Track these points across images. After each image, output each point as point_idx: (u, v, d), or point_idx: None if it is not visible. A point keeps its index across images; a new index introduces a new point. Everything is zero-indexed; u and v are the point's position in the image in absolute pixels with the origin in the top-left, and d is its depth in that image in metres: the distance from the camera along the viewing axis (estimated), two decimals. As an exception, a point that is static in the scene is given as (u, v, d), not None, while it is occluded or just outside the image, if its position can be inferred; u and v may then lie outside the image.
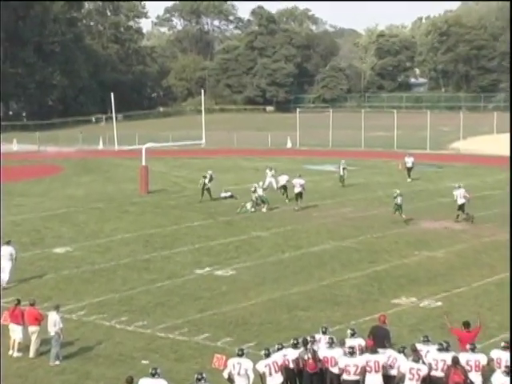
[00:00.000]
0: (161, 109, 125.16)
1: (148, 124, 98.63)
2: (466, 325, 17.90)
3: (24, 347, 20.27)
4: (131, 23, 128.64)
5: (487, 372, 16.45)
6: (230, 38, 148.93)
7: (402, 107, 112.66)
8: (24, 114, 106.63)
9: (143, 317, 22.90)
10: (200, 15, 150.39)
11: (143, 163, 45.91)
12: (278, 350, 16.90)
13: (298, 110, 78.02)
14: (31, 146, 72.27)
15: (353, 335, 17.54)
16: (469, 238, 32.95)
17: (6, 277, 25.87)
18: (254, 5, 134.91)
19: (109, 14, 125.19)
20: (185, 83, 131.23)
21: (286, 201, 41.49)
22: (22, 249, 29.38)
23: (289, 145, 71.22)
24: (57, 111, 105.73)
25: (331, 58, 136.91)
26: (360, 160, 59.80)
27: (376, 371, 16.37)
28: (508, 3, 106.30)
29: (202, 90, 65.61)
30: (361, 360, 16.50)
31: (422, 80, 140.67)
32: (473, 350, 16.52)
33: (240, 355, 16.56)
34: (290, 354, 16.87)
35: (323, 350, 16.98)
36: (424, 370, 16.20)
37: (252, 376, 16.35)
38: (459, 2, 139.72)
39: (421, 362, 16.29)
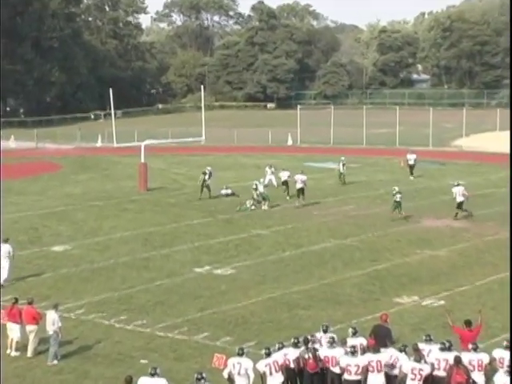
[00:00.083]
0: (160, 105, 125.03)
1: (147, 121, 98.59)
2: (468, 323, 17.93)
3: (22, 346, 20.30)
4: (130, 18, 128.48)
5: (489, 372, 16.48)
6: (230, 33, 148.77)
7: (405, 104, 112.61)
8: (22, 111, 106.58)
9: (142, 316, 22.94)
10: (200, 10, 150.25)
11: (142, 160, 45.92)
12: (279, 349, 16.93)
13: (298, 106, 77.94)
14: (29, 143, 72.25)
15: (354, 334, 17.57)
16: (471, 236, 32.98)
17: (5, 274, 25.93)
18: (255, 0, 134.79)
19: (107, 9, 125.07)
20: (184, 79, 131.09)
21: (287, 198, 41.57)
22: (19, 247, 29.40)
23: (290, 142, 71.21)
24: (55, 108, 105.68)
25: (332, 53, 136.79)
26: (362, 157, 59.82)
27: (378, 371, 16.40)
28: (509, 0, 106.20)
29: (202, 87, 65.55)
30: (362, 360, 16.52)
31: (424, 76, 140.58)
32: (475, 349, 16.55)
33: (240, 354, 16.59)
34: (290, 354, 16.90)
35: (324, 350, 17.00)
36: (426, 370, 16.23)
37: (252, 376, 16.39)
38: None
39: (423, 361, 16.32)
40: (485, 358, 16.52)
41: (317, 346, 17.16)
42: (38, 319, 20.14)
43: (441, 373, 16.41)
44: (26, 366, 19.58)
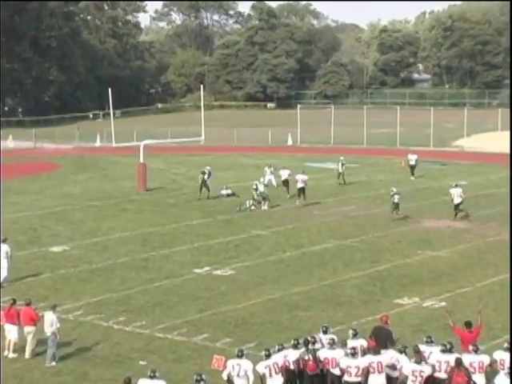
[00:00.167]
0: (159, 105, 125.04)
1: (146, 120, 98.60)
2: (468, 325, 17.93)
3: (20, 348, 20.28)
4: (129, 17, 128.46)
5: (490, 373, 16.48)
6: (229, 32, 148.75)
7: (405, 103, 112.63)
8: (20, 110, 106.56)
9: (141, 317, 22.92)
10: (199, 9, 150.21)
11: (141, 160, 45.92)
12: (279, 350, 16.92)
13: (299, 106, 77.96)
14: (27, 142, 72.24)
15: (355, 336, 17.55)
16: (473, 237, 32.96)
17: (4, 274, 25.97)
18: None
19: (106, 8, 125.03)
20: (184, 79, 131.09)
21: (287, 196, 41.66)
22: (18, 247, 29.39)
23: (290, 142, 71.21)
24: (53, 107, 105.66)
25: (333, 53, 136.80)
26: (362, 157, 59.83)
27: (379, 372, 16.41)
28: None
29: (202, 86, 65.56)
30: (363, 361, 16.52)
31: (425, 76, 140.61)
32: (475, 351, 16.55)
33: (240, 356, 16.57)
34: (290, 355, 16.88)
35: (324, 351, 16.99)
36: (427, 372, 16.23)
37: (252, 377, 16.37)
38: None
39: (423, 363, 16.31)
40: (485, 359, 16.52)
41: (317, 346, 17.14)
42: (36, 320, 20.11)
43: (442, 375, 16.41)
44: (23, 367, 19.56)
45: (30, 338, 20.07)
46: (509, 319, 20.90)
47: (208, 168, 42.73)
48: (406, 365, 16.44)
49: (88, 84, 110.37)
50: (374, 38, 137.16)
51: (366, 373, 16.47)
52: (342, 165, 46.71)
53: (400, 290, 25.38)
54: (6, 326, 20.39)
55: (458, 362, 16.09)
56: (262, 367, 16.43)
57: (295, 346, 17.05)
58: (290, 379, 16.80)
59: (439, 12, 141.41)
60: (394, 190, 36.75)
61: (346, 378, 16.57)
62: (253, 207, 38.76)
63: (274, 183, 44.55)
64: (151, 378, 15.75)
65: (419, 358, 16.39)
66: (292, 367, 16.85)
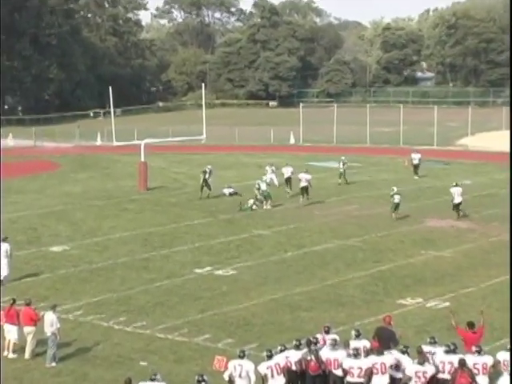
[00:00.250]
0: (160, 103, 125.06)
1: (147, 119, 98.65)
2: (471, 325, 17.93)
3: (19, 348, 20.31)
4: (130, 15, 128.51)
5: (493, 374, 16.48)
6: (231, 30, 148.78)
7: (409, 102, 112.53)
8: (20, 109, 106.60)
9: (142, 317, 22.94)
10: (201, 7, 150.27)
11: (142, 159, 45.94)
12: (281, 351, 16.93)
13: (301, 104, 77.90)
14: (27, 141, 72.30)
15: (357, 336, 17.56)
16: (476, 237, 32.97)
17: (5, 272, 26.04)
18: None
19: (107, 5, 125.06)
20: (185, 77, 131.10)
21: (289, 194, 41.80)
22: (17, 247, 29.43)
23: (292, 141, 71.19)
24: (53, 105, 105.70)
25: (335, 51, 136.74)
26: (365, 156, 59.81)
27: (383, 373, 16.43)
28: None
29: (203, 84, 65.41)
30: (365, 362, 16.53)
31: (429, 74, 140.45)
32: (479, 352, 16.56)
33: (241, 357, 16.59)
34: (292, 356, 16.90)
35: (326, 352, 17.00)
36: (430, 372, 16.26)
37: (253, 378, 16.38)
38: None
39: (426, 364, 16.32)
40: (489, 360, 16.54)
41: (319, 346, 17.16)
42: (35, 320, 20.13)
43: (445, 376, 16.42)
44: (23, 367, 19.58)
45: (29, 338, 20.09)
46: (509, 320, 20.87)
47: (209, 167, 42.76)
48: (409, 366, 16.45)
49: (88, 82, 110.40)
50: (377, 36, 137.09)
51: (369, 374, 16.48)
52: (344, 164, 46.74)
53: (403, 291, 25.39)
54: (5, 326, 20.42)
55: (462, 362, 16.10)
56: (263, 368, 16.45)
57: (297, 347, 17.06)
58: (291, 380, 16.81)
59: (443, 9, 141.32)
60: (395, 189, 36.78)
61: (348, 378, 16.59)
62: (254, 206, 38.75)
63: (276, 182, 44.55)
64: (152, 380, 15.77)
65: (422, 358, 16.40)
66: (294, 368, 16.87)
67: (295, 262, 29.17)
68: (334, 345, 17.08)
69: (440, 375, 16.47)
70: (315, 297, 24.83)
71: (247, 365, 16.44)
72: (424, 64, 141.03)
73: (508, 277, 26.39)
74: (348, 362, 16.57)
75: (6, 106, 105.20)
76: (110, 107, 52.73)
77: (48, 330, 19.65)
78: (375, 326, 18.96)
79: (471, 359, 16.41)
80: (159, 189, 45.68)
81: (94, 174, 52.98)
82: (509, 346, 16.87)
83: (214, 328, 22.00)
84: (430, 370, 16.30)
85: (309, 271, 27.84)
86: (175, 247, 31.34)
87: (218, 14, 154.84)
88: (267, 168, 45.88)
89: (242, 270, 28.04)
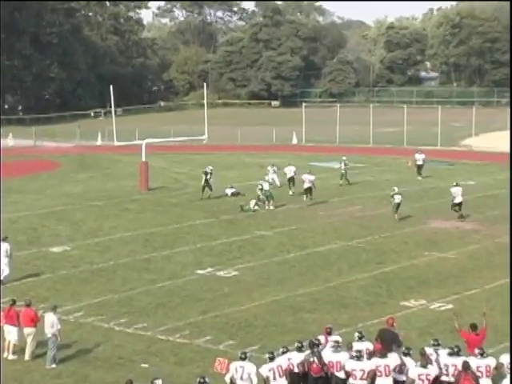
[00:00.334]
0: (162, 103, 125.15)
1: (148, 118, 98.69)
2: (474, 327, 17.93)
3: (19, 349, 20.31)
4: (131, 14, 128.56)
5: (496, 376, 16.48)
6: (233, 29, 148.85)
7: (412, 102, 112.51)
8: (20, 108, 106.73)
9: (143, 318, 22.94)
10: (203, 6, 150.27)
11: (143, 159, 45.95)
12: (283, 353, 16.92)
13: (304, 104, 77.94)
14: (27, 140, 72.35)
15: (360, 338, 17.54)
16: (481, 238, 32.94)
17: (5, 272, 26.10)
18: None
19: (108, 4, 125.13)
20: (187, 76, 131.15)
21: (290, 192, 41.84)
22: (17, 247, 29.43)
23: (294, 141, 71.19)
24: (54, 105, 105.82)
25: (339, 50, 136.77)
26: (368, 157, 59.81)
27: (386, 375, 16.43)
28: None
29: (205, 84, 65.38)
30: (368, 364, 16.53)
31: (433, 74, 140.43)
32: (482, 354, 16.55)
33: (243, 359, 16.58)
34: (294, 358, 16.89)
35: (328, 354, 16.98)
36: (433, 373, 16.26)
37: (255, 380, 16.37)
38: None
39: (429, 366, 16.32)
40: (492, 362, 16.54)
41: (321, 347, 17.16)
42: (36, 321, 20.13)
43: (449, 378, 16.42)
44: (23, 369, 19.58)
45: (29, 339, 20.09)
46: (509, 321, 20.83)
47: (210, 167, 42.73)
48: (412, 369, 16.44)
49: (89, 81, 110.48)
50: (381, 35, 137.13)
51: (372, 376, 16.48)
52: (345, 165, 46.72)
53: (406, 292, 25.37)
54: (5, 327, 20.42)
55: (466, 365, 16.11)
56: (265, 370, 16.44)
57: (299, 349, 17.05)
58: (293, 382, 16.80)
59: (447, 9, 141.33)
60: (396, 189, 36.84)
61: (351, 381, 16.58)
62: (256, 207, 38.70)
63: (278, 183, 44.55)
64: (152, 384, 15.76)
65: (425, 360, 16.40)
66: (296, 370, 16.86)
67: (298, 263, 29.16)
68: (337, 347, 17.07)
69: (444, 378, 16.47)
70: (318, 298, 24.82)
71: (249, 367, 16.43)
72: (428, 64, 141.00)
73: (512, 278, 26.41)
74: (350, 364, 16.57)
75: (6, 106, 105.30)
76: (110, 107, 52.76)
77: (48, 331, 19.65)
78: (378, 328, 18.95)
79: (474, 362, 16.41)
80: (160, 189, 45.70)
81: (95, 174, 53.01)
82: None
83: (216, 330, 22.00)
84: (433, 371, 16.30)
85: (311, 272, 27.83)
86: (176, 248, 31.34)
87: (220, 13, 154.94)
88: (269, 168, 45.87)
89: (244, 271, 28.03)
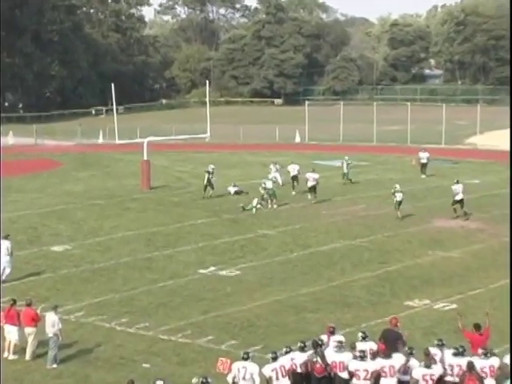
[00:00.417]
0: (163, 101, 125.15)
1: (150, 117, 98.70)
2: (477, 327, 17.93)
3: (20, 349, 20.32)
4: (133, 11, 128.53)
5: (500, 377, 16.48)
6: (236, 26, 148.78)
7: (417, 100, 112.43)
8: (20, 106, 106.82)
9: (144, 318, 22.95)
10: (205, 3, 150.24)
11: (145, 157, 45.97)
12: (286, 353, 16.92)
13: (307, 102, 77.90)
14: (28, 139, 72.41)
15: (364, 339, 17.55)
16: (486, 237, 32.93)
17: (7, 270, 26.20)
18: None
19: (109, 1, 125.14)
20: (189, 74, 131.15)
21: (293, 192, 41.84)
22: (18, 247, 29.45)
23: (297, 139, 71.19)
24: (55, 103, 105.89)
25: (342, 47, 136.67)
26: (372, 155, 59.78)
27: (391, 376, 16.44)
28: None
29: (207, 82, 65.59)
30: (372, 364, 16.53)
31: (437, 71, 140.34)
32: (485, 354, 16.56)
33: (245, 359, 16.58)
34: (297, 358, 16.89)
35: (331, 354, 16.98)
36: (437, 373, 16.27)
37: (258, 380, 16.37)
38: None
39: (433, 366, 16.32)
40: (495, 362, 16.55)
41: (323, 347, 17.16)
42: (36, 321, 20.15)
43: (454, 378, 16.43)
44: (24, 369, 19.60)
45: (30, 339, 20.11)
46: (509, 323, 20.80)
47: (212, 166, 42.69)
48: (416, 369, 16.45)
49: (90, 79, 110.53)
50: (385, 33, 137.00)
51: (376, 376, 16.49)
52: (348, 165, 46.67)
53: (410, 292, 25.37)
54: (5, 326, 20.43)
55: (470, 366, 16.13)
56: (268, 370, 16.45)
57: (302, 349, 17.05)
58: (296, 382, 16.80)
59: (451, 6, 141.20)
60: (397, 186, 36.86)
61: (354, 381, 16.59)
62: (259, 206, 38.63)
63: (280, 181, 44.53)
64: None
65: (429, 361, 16.41)
66: (299, 370, 16.86)
67: (301, 262, 29.17)
68: (340, 347, 17.07)
69: (448, 378, 16.49)
70: (321, 298, 24.82)
71: (251, 367, 16.43)
72: (432, 61, 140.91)
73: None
74: (354, 365, 16.57)
75: (6, 104, 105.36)
76: (112, 105, 52.81)
77: (50, 330, 19.67)
78: (382, 328, 18.96)
79: (478, 362, 16.42)
80: (162, 188, 45.70)
81: (96, 172, 53.03)
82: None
83: (218, 329, 22.01)
84: (436, 371, 16.31)
85: (314, 272, 27.83)
86: (178, 247, 31.35)
87: (222, 10, 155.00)
88: (271, 166, 45.86)
89: (247, 270, 28.04)
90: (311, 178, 40.08)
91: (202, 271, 27.91)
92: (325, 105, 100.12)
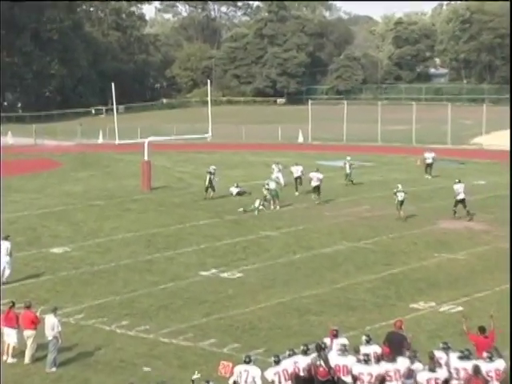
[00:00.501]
0: (164, 100, 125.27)
1: (151, 116, 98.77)
2: (482, 330, 17.91)
3: (19, 352, 20.32)
4: (133, 9, 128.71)
5: (505, 379, 16.47)
6: (238, 25, 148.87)
7: (422, 99, 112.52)
8: (20, 105, 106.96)
9: (145, 321, 22.95)
10: (206, 1, 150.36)
11: (145, 158, 45.99)
12: (289, 356, 16.90)
13: (310, 101, 77.93)
14: (27, 139, 72.49)
15: (368, 342, 17.53)
16: (491, 239, 32.91)
17: (7, 271, 26.23)
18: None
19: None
20: (190, 73, 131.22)
21: (297, 193, 41.85)
22: (17, 248, 29.44)
23: (300, 139, 71.20)
24: (54, 102, 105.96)
25: (346, 46, 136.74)
26: (376, 155, 59.78)
27: (396, 380, 16.44)
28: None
29: (209, 81, 65.64)
30: (376, 368, 16.51)
31: (442, 70, 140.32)
32: (490, 358, 16.55)
33: (247, 362, 16.57)
34: (300, 362, 16.87)
35: (335, 358, 16.97)
36: (442, 377, 16.27)
37: (260, 384, 16.38)
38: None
39: (438, 369, 16.30)
40: (500, 365, 16.55)
41: (327, 350, 17.15)
42: (36, 324, 20.14)
43: (459, 382, 16.42)
44: (23, 373, 19.60)
45: (29, 342, 20.10)
46: (509, 325, 20.78)
47: (213, 167, 42.68)
48: (421, 373, 16.44)
49: (90, 78, 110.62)
50: (389, 31, 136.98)
51: (381, 380, 16.47)
52: (350, 166, 46.63)
53: (415, 294, 25.36)
54: (4, 329, 20.42)
55: (476, 369, 16.13)
56: (271, 374, 16.43)
57: (305, 352, 17.03)
58: (299, 386, 16.81)
59: (457, 3, 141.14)
60: (399, 186, 36.86)
61: (358, 385, 16.60)
62: (261, 207, 38.56)
63: (282, 181, 44.51)
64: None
65: (433, 364, 16.39)
66: (302, 374, 16.84)
67: (304, 264, 29.15)
68: (344, 350, 17.05)
69: (454, 382, 16.48)
70: (324, 300, 24.81)
71: (253, 370, 16.42)
72: (437, 60, 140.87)
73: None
74: (358, 368, 16.55)
75: (5, 103, 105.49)
76: (112, 104, 52.83)
77: (49, 333, 19.66)
78: (387, 331, 18.94)
79: (484, 366, 16.42)
80: (163, 188, 45.72)
81: (96, 172, 53.06)
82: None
83: (220, 332, 22.00)
84: (441, 375, 16.30)
85: (318, 274, 27.82)
86: (180, 249, 31.35)
87: (224, 8, 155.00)
88: (273, 166, 45.85)
89: (249, 272, 28.03)
90: (315, 177, 40.12)
91: (203, 273, 27.90)
92: (328, 104, 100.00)
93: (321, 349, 16.99)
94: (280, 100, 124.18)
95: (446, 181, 47.92)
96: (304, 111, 78.18)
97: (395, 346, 17.56)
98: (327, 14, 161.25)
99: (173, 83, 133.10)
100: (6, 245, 26.54)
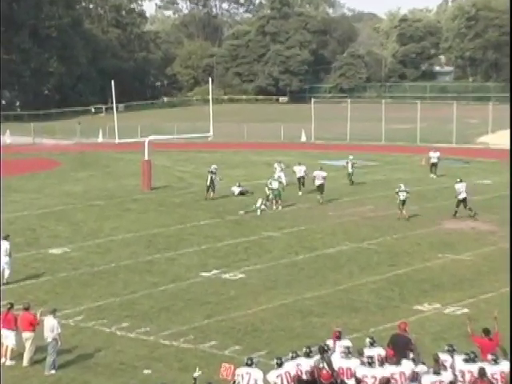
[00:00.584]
0: (165, 99, 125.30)
1: (151, 115, 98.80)
2: (486, 332, 17.92)
3: (17, 355, 20.35)
4: (133, 6, 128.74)
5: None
6: (239, 22, 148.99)
7: (426, 98, 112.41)
8: (18, 104, 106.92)
9: (146, 323, 22.98)
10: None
11: (146, 157, 46.02)
12: (292, 358, 16.92)
13: (313, 100, 77.84)
14: (25, 138, 72.50)
15: (372, 344, 17.55)
16: (497, 239, 32.91)
17: (7, 271, 26.31)
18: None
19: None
20: (191, 71, 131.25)
21: (300, 193, 41.87)
22: (15, 249, 29.42)
23: (303, 138, 71.18)
24: (53, 101, 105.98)
25: (349, 44, 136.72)
26: (380, 155, 59.77)
27: (401, 383, 16.45)
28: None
29: (210, 79, 65.51)
30: (380, 371, 16.53)
31: (447, 68, 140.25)
32: (495, 360, 16.57)
33: (249, 365, 16.60)
34: (303, 364, 16.89)
35: (338, 360, 16.99)
36: (447, 380, 16.26)
37: (262, 387, 16.41)
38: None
39: (442, 372, 16.32)
40: (506, 368, 16.57)
41: (330, 353, 17.17)
42: (35, 325, 20.17)
43: (464, 385, 16.47)
44: (21, 375, 19.62)
45: (28, 344, 20.13)
46: (509, 326, 20.80)
47: (214, 167, 42.67)
48: (425, 376, 16.45)
49: (90, 76, 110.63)
50: (393, 28, 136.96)
51: (385, 383, 16.48)
52: (352, 165, 46.64)
53: (420, 296, 25.37)
54: (2, 331, 20.44)
55: (482, 372, 16.16)
56: (273, 376, 16.46)
57: (307, 355, 17.05)
58: (302, 389, 16.84)
59: (462, 0, 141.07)
60: (402, 186, 36.88)
61: (361, 387, 16.61)
62: (263, 207, 38.56)
63: (284, 181, 44.44)
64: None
65: (438, 367, 16.41)
66: (305, 377, 16.86)
67: (307, 265, 29.18)
68: (347, 353, 17.06)
69: (459, 384, 16.51)
70: (327, 302, 24.83)
71: (255, 373, 16.45)
72: (442, 58, 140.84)
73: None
74: (362, 371, 16.58)
75: (3, 101, 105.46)
76: (112, 102, 52.88)
77: (48, 335, 19.68)
78: (391, 333, 18.96)
79: (488, 368, 16.44)
80: (163, 188, 45.75)
81: (95, 172, 53.09)
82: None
83: (221, 334, 22.03)
84: (446, 378, 16.31)
85: (321, 275, 27.84)
86: (180, 249, 31.38)
87: (225, 5, 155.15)
88: (276, 165, 45.81)
89: (251, 273, 28.06)
90: (319, 176, 40.18)
91: (204, 274, 27.93)
92: (331, 103, 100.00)
93: (324, 351, 17.01)
94: (282, 98, 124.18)
95: (452, 180, 47.77)
96: (307, 110, 78.17)
97: (400, 348, 17.58)
98: (331, 10, 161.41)
99: (173, 81, 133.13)
100: (5, 245, 26.61)
